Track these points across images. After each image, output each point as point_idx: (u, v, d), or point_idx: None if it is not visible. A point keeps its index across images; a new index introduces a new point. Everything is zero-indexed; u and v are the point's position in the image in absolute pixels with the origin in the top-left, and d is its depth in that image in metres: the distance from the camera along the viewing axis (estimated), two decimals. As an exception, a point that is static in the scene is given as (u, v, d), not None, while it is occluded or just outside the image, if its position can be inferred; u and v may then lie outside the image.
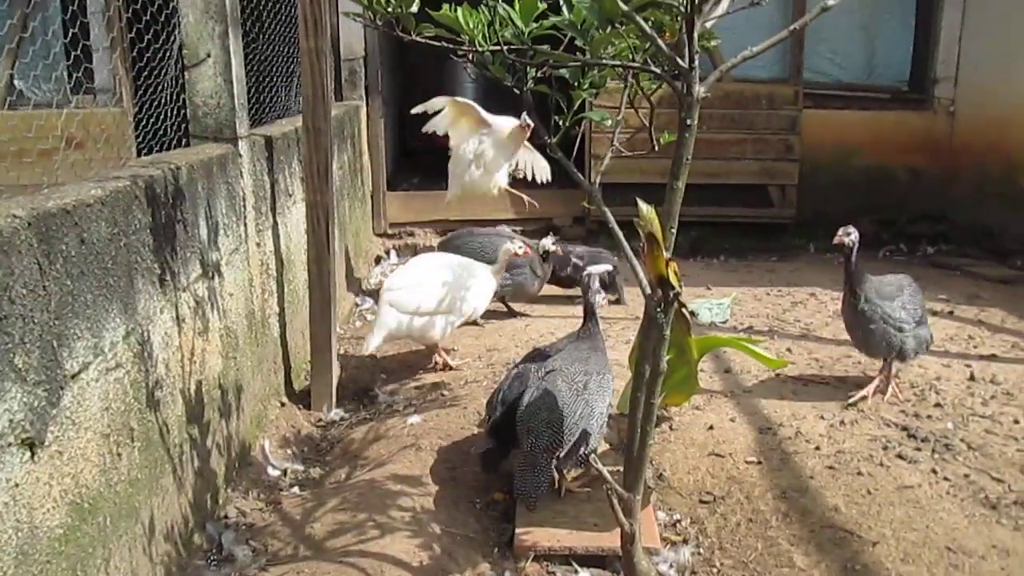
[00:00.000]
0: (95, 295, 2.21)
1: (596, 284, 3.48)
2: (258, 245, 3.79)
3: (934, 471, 3.27)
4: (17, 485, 1.82)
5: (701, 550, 3.00)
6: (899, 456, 3.38)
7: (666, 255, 2.08)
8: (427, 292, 4.26)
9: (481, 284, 4.49)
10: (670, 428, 3.66)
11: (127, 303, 2.41)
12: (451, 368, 4.61)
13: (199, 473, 2.96)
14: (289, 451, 3.79)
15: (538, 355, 3.39)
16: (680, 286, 2.14)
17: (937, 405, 3.88)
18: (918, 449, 3.45)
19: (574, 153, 2.91)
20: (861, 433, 3.59)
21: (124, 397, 2.37)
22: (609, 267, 5.27)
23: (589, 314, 3.38)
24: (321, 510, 3.07)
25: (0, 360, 1.77)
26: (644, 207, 1.98)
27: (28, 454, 1.86)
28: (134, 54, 3.83)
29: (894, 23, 7.90)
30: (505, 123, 4.24)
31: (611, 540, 2.82)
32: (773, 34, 2.11)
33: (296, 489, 3.45)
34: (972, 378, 4.21)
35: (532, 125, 3.85)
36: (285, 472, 3.58)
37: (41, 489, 1.91)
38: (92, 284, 2.20)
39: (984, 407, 3.86)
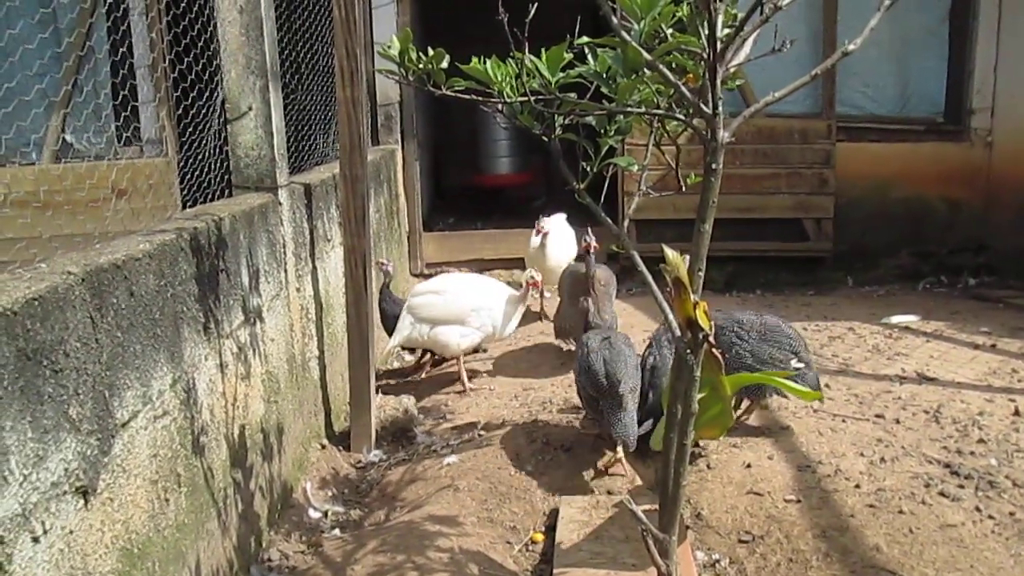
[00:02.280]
0: (143, 345, 2.30)
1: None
2: (298, 290, 3.89)
3: (978, 509, 3.21)
4: (72, 532, 1.89)
5: (740, 591, 2.98)
6: (941, 494, 3.33)
7: (694, 298, 2.12)
8: (443, 302, 4.72)
9: (503, 303, 4.81)
10: (707, 466, 3.65)
11: (174, 352, 2.50)
12: (468, 388, 4.90)
13: (243, 516, 3.02)
14: (329, 493, 3.84)
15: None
16: (710, 327, 2.17)
17: (980, 441, 3.81)
18: (961, 486, 3.39)
19: (605, 189, 2.97)
20: (902, 470, 3.54)
21: (171, 444, 2.45)
22: None
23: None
24: (361, 552, 3.11)
25: (56, 411, 1.86)
26: (670, 253, 2.02)
27: (82, 502, 1.94)
28: (180, 111, 4.00)
29: (927, 55, 7.88)
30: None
31: (649, 581, 2.82)
32: (804, 68, 2.16)
33: (337, 531, 3.50)
34: (1017, 413, 4.13)
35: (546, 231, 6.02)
36: (326, 514, 3.64)
37: (94, 536, 1.99)
38: (141, 335, 2.29)
39: (1029, 442, 3.80)
